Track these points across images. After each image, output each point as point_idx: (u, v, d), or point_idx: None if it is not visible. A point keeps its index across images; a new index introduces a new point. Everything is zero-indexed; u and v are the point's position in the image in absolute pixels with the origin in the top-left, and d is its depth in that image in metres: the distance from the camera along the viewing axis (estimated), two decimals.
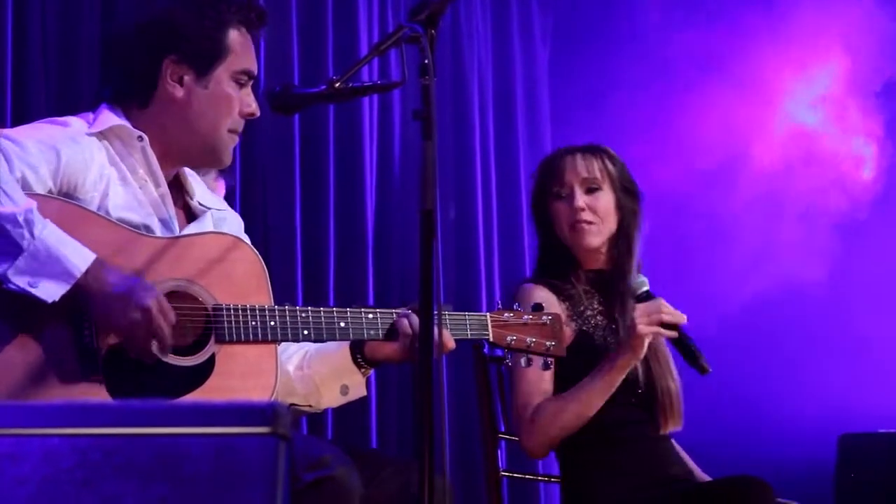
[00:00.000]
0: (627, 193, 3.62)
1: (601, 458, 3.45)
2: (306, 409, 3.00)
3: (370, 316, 2.81)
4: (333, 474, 2.48)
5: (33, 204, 2.51)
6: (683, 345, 3.33)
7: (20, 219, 2.47)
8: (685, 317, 3.33)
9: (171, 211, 2.82)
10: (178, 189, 2.92)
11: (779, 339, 5.55)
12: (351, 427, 4.95)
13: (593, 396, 3.38)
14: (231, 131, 2.87)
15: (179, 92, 2.82)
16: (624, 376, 3.37)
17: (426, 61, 2.32)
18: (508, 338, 2.99)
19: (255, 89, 2.94)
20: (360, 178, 5.19)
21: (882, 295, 5.63)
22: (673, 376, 3.51)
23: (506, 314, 3.02)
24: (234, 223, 3.00)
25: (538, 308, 3.08)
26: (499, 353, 3.64)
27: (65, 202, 2.63)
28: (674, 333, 3.32)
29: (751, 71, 5.80)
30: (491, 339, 2.98)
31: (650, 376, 3.47)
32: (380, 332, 2.82)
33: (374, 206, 5.26)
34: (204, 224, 2.88)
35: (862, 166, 5.79)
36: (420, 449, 2.14)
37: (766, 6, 5.84)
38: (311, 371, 2.95)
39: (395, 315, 2.82)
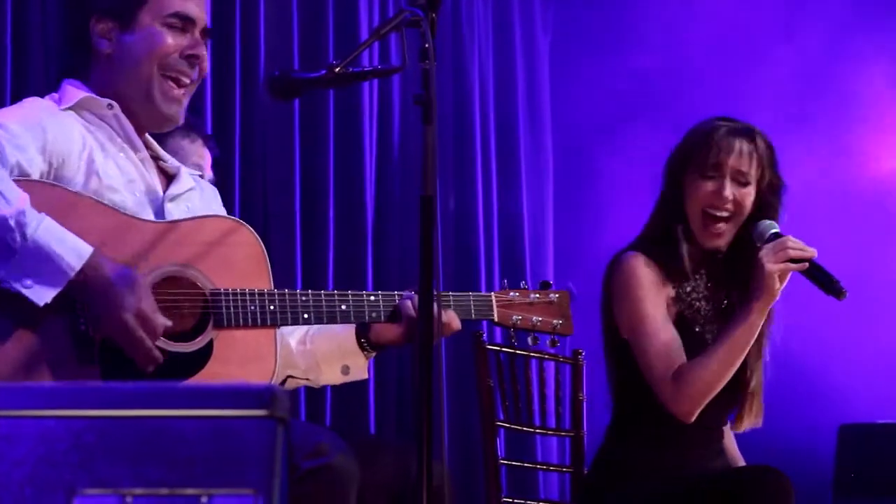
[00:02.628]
0: (771, 188, 3.44)
1: (644, 449, 3.39)
2: (304, 382, 2.98)
3: (372, 298, 2.79)
4: (332, 462, 2.47)
5: (26, 201, 2.48)
6: (816, 275, 3.23)
7: (11, 222, 2.44)
8: (814, 250, 3.24)
9: (154, 174, 2.80)
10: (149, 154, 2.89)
11: (778, 328, 5.53)
12: (350, 412, 4.95)
13: (735, 348, 3.27)
14: (165, 76, 2.78)
15: (108, 47, 2.79)
16: (763, 320, 3.27)
17: (427, 45, 2.31)
18: (514, 317, 2.96)
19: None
20: (359, 163, 5.18)
21: (884, 284, 5.62)
22: (762, 370, 3.42)
23: (511, 293, 2.98)
24: (207, 188, 2.98)
25: (546, 285, 3.05)
26: (498, 339, 3.62)
27: (56, 188, 2.61)
28: (804, 266, 3.22)
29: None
30: (496, 319, 2.94)
31: (739, 369, 3.35)
32: (381, 314, 2.79)
33: (373, 192, 5.25)
34: (182, 181, 2.85)
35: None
36: (419, 433, 2.13)
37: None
38: (313, 347, 2.92)
39: (397, 298, 2.80)
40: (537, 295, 3.00)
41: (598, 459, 3.51)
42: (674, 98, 5.62)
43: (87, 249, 2.50)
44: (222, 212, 2.92)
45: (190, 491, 1.62)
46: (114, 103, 2.76)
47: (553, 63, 5.94)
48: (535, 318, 2.98)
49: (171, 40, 2.78)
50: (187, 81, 2.81)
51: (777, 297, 3.26)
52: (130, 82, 2.78)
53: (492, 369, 3.71)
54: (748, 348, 3.30)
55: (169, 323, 2.56)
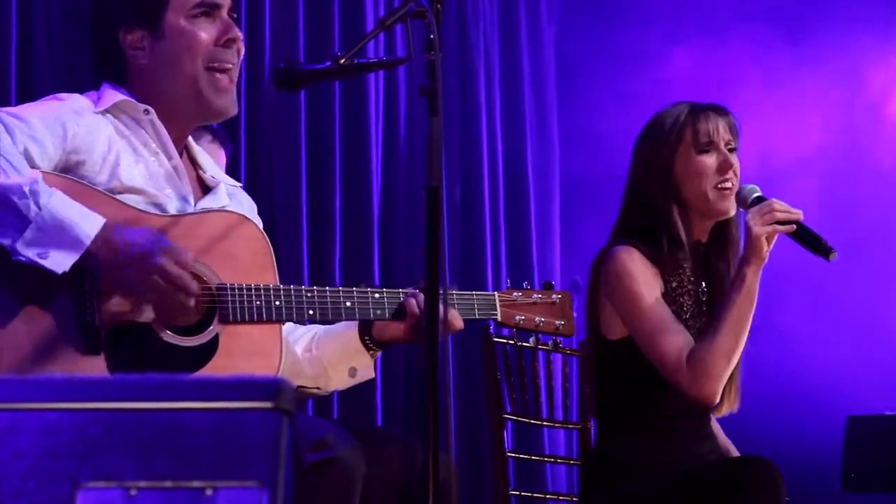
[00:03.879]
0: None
1: (635, 444, 3.37)
2: (314, 391, 2.97)
3: (377, 296, 2.78)
4: (337, 455, 2.46)
5: (38, 174, 2.49)
6: (804, 236, 3.21)
7: (25, 189, 2.44)
8: (800, 211, 3.23)
9: (186, 183, 2.78)
10: (189, 163, 2.88)
11: (787, 320, 5.53)
12: (356, 406, 4.95)
13: (739, 317, 3.25)
14: (210, 68, 2.75)
15: (144, 58, 2.76)
16: (757, 283, 3.24)
17: (432, 36, 2.30)
18: (517, 317, 2.96)
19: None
20: (365, 156, 5.17)
21: (892, 275, 5.61)
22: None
23: (514, 293, 2.98)
24: (245, 202, 2.96)
25: (548, 286, 3.05)
26: (505, 332, 3.62)
27: (66, 179, 2.60)
28: (791, 227, 3.21)
29: None
30: (499, 319, 2.94)
31: None
32: (386, 311, 2.79)
33: (379, 184, 5.24)
34: (219, 196, 2.84)
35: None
36: (425, 425, 2.13)
37: None
38: (319, 353, 2.91)
39: (401, 294, 2.80)
40: (540, 295, 3.00)
41: (590, 459, 3.52)
42: (681, 85, 5.61)
43: (100, 219, 2.49)
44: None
45: (195, 483, 1.61)
46: (150, 109, 2.74)
47: (559, 53, 5.93)
48: (537, 318, 2.98)
49: (204, 34, 2.75)
50: (230, 66, 2.78)
51: (766, 260, 3.24)
52: (176, 85, 2.75)
53: (499, 362, 3.71)
54: (751, 315, 3.27)
55: (194, 256, 2.55)
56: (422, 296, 2.73)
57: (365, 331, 2.87)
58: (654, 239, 3.39)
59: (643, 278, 3.35)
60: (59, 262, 2.45)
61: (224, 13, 2.79)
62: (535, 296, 3.00)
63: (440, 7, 2.36)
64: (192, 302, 2.55)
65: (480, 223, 5.50)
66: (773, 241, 3.23)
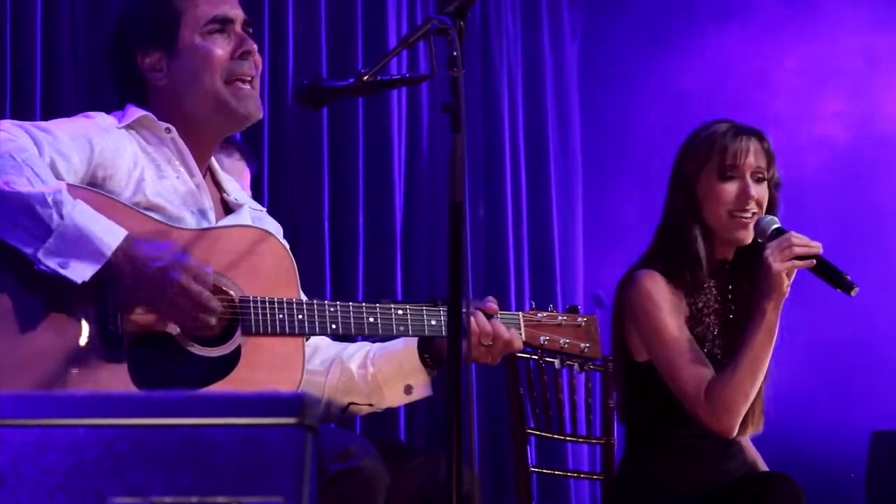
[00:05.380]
0: (776, 185, 3.44)
1: (662, 460, 3.38)
2: (366, 408, 2.95)
3: (399, 312, 2.78)
4: (360, 465, 2.47)
5: (63, 184, 2.51)
6: (824, 270, 3.17)
7: (49, 199, 2.46)
8: (820, 245, 3.19)
9: (209, 201, 2.80)
10: (213, 184, 2.90)
11: (811, 334, 5.51)
12: (379, 420, 4.95)
13: (758, 353, 3.23)
14: (228, 82, 2.77)
15: (163, 79, 2.79)
16: (777, 319, 3.21)
17: (455, 53, 2.31)
18: (541, 338, 2.95)
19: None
20: (388, 172, 5.19)
21: None
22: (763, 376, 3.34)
23: (539, 314, 2.97)
24: (271, 225, 2.95)
25: (573, 309, 3.05)
26: (528, 348, 3.62)
27: (92, 191, 2.62)
28: (811, 263, 3.17)
29: None
30: (524, 339, 2.92)
31: None
32: (409, 328, 2.79)
33: (402, 200, 5.25)
34: (241, 217, 2.85)
35: None
36: (448, 440, 2.13)
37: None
38: (374, 370, 2.89)
39: (424, 311, 2.80)
40: (565, 317, 2.99)
41: (617, 476, 3.52)
42: (705, 101, 5.61)
43: (122, 231, 2.51)
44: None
45: (220, 499, 1.62)
46: (171, 127, 2.76)
47: (582, 69, 5.93)
48: (562, 339, 2.97)
49: (219, 49, 2.77)
50: (250, 77, 2.80)
51: (786, 295, 3.21)
52: (197, 102, 2.78)
53: (522, 377, 3.71)
54: (771, 350, 3.26)
55: (212, 271, 2.56)
56: (481, 315, 2.74)
57: (425, 348, 2.87)
58: (676, 258, 3.37)
59: (666, 305, 3.34)
60: (80, 271, 2.46)
61: (238, 27, 2.81)
62: (560, 318, 2.99)
63: (463, 24, 2.37)
64: (213, 320, 2.57)
65: (504, 239, 5.50)
66: (793, 276, 3.21)
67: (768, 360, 3.27)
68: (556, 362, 2.99)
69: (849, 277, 3.15)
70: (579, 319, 3.01)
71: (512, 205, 5.55)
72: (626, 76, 5.82)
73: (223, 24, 2.79)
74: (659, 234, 3.46)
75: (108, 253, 2.48)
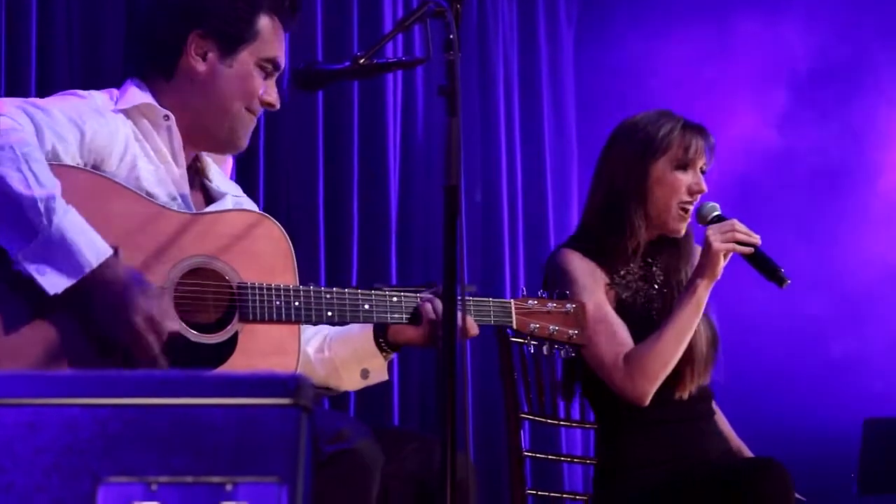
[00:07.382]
0: None
1: (635, 441, 3.44)
2: (324, 392, 2.99)
3: (395, 299, 2.79)
4: (354, 447, 2.47)
5: (58, 188, 2.48)
6: (760, 260, 3.32)
7: (40, 205, 2.45)
8: (759, 237, 3.33)
9: (187, 192, 2.80)
10: (196, 172, 2.91)
11: (805, 321, 5.52)
12: (373, 406, 4.95)
13: (682, 326, 3.36)
14: (249, 111, 2.84)
15: (202, 66, 2.80)
16: (707, 297, 3.36)
17: (451, 36, 2.30)
18: (532, 325, 2.98)
19: (279, 77, 2.91)
20: (383, 156, 5.17)
21: None
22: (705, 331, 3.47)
23: (530, 301, 3.00)
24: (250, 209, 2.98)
25: (563, 296, 3.06)
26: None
27: (93, 174, 2.62)
28: (749, 249, 3.32)
29: None
30: (514, 327, 2.96)
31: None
32: (403, 316, 2.80)
33: (397, 184, 5.24)
34: (223, 205, 2.86)
35: None
36: (443, 425, 2.13)
37: None
38: (331, 354, 2.93)
39: (419, 298, 2.80)
40: (555, 304, 3.02)
41: (596, 460, 3.56)
42: (699, 87, 5.61)
43: (106, 250, 2.50)
44: None
45: (215, 479, 1.63)
46: (170, 115, 2.77)
47: (577, 54, 5.92)
48: (552, 326, 3.00)
49: (258, 85, 2.83)
50: (257, 116, 2.88)
51: (718, 277, 3.35)
52: (215, 111, 2.82)
53: (516, 362, 3.71)
54: (696, 325, 3.38)
55: (176, 327, 2.55)
56: (438, 301, 2.75)
57: (380, 333, 2.89)
58: (608, 228, 3.49)
59: (581, 276, 3.45)
60: (54, 283, 2.46)
61: (276, 75, 2.88)
62: (550, 304, 3.02)
63: (460, 7, 2.36)
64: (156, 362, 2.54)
65: (499, 228, 5.50)
66: (728, 258, 3.34)
67: (692, 333, 3.38)
68: (545, 348, 3.01)
69: (783, 271, 3.29)
70: (568, 306, 3.04)
71: (507, 193, 5.55)
72: (622, 62, 5.81)
73: (274, 68, 2.87)
74: (594, 208, 3.56)
75: (86, 270, 2.47)
